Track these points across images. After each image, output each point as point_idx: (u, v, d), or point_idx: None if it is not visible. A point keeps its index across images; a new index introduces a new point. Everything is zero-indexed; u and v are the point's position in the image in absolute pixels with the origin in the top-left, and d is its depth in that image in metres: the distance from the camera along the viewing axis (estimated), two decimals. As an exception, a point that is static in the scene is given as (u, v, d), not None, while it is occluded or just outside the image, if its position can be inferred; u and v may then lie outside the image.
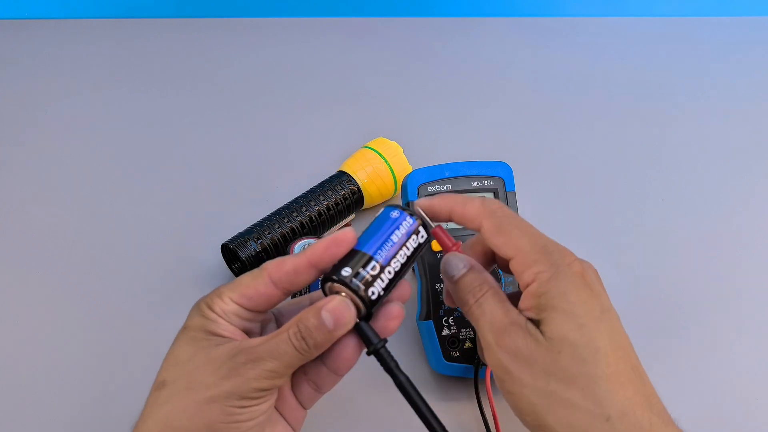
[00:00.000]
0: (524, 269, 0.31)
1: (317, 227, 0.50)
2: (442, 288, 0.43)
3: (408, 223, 0.32)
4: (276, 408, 0.33)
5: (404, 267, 0.32)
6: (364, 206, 0.54)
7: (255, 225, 0.49)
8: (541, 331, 0.30)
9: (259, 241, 0.47)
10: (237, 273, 0.49)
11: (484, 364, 0.41)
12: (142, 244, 0.52)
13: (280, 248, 0.48)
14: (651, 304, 0.48)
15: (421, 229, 0.33)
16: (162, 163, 0.60)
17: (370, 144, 0.54)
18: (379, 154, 0.53)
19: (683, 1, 0.83)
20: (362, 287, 0.30)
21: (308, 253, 0.31)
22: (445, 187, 0.44)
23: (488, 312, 0.31)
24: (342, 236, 0.31)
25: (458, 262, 0.33)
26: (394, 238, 0.32)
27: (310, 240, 0.44)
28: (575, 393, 0.28)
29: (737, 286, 0.50)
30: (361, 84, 0.70)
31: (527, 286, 0.31)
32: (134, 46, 0.75)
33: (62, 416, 0.41)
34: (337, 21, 0.80)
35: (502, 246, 0.32)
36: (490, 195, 0.44)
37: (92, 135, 0.63)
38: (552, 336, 0.29)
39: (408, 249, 0.32)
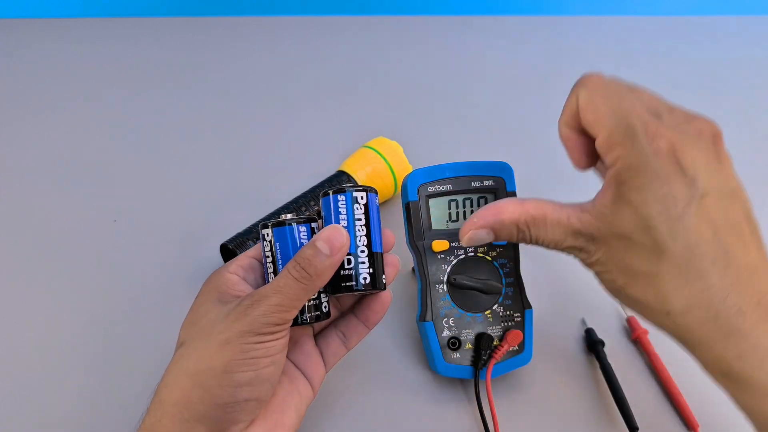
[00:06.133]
0: (606, 152, 0.30)
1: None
2: (442, 289, 0.42)
3: (342, 201, 0.34)
4: (297, 365, 0.36)
5: (366, 235, 0.34)
6: (364, 206, 0.54)
7: (255, 225, 0.49)
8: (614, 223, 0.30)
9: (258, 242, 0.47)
10: (237, 273, 0.49)
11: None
12: (142, 244, 0.52)
13: (280, 248, 0.48)
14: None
15: (357, 194, 0.34)
16: (161, 163, 0.60)
17: (370, 143, 0.54)
18: (379, 154, 0.53)
19: (683, 0, 0.83)
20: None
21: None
22: (445, 187, 0.44)
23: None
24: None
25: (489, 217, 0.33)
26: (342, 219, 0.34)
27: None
28: (638, 290, 0.30)
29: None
30: (361, 84, 0.70)
31: (609, 169, 0.30)
32: (134, 46, 0.74)
33: (61, 414, 0.41)
34: (336, 20, 0.80)
35: (590, 124, 0.31)
36: (490, 195, 0.44)
37: (92, 135, 0.63)
38: (620, 233, 0.29)
39: (361, 220, 0.34)
